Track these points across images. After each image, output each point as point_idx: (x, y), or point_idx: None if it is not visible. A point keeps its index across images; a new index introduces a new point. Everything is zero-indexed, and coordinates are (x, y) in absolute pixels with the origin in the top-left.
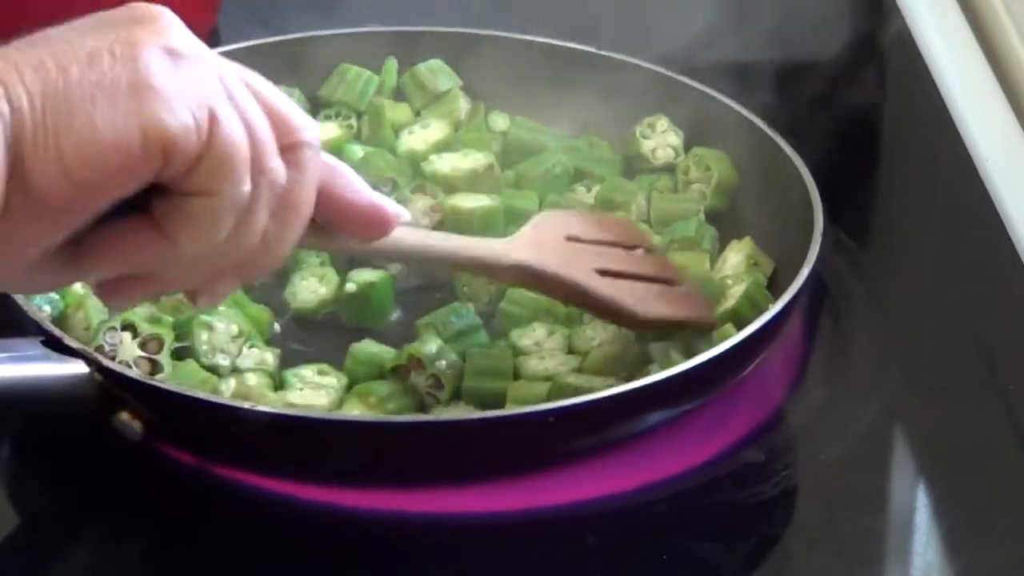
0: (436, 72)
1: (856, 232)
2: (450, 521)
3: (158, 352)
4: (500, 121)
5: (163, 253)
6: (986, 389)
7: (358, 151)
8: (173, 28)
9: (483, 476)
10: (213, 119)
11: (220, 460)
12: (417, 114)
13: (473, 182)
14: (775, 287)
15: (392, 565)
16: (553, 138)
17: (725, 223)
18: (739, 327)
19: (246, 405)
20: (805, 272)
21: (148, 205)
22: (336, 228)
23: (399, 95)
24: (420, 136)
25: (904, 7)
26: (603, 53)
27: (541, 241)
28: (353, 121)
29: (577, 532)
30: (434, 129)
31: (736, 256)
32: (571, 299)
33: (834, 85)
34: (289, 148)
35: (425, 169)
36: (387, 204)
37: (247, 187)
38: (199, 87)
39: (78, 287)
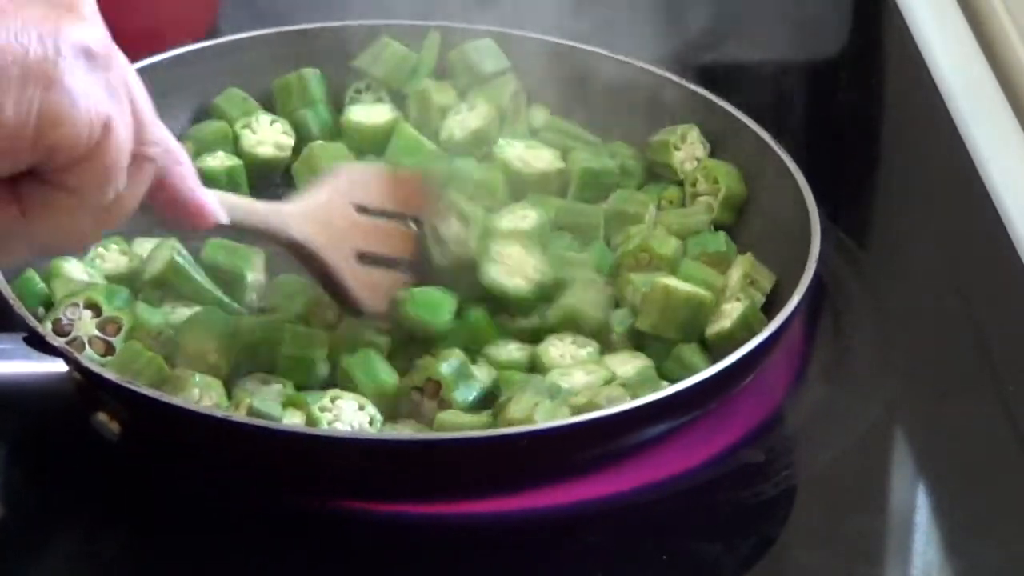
0: (484, 53)
1: (856, 232)
2: (450, 521)
3: (115, 335)
4: (539, 115)
5: (12, 228)
6: (986, 389)
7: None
8: (96, 23)
9: (487, 493)
10: (107, 128)
11: (191, 464)
12: (461, 95)
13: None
14: (777, 299)
15: (391, 565)
16: (584, 143)
17: (729, 235)
18: (734, 348)
19: (218, 413)
20: (795, 300)
21: (15, 181)
22: (163, 213)
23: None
24: (460, 121)
25: (904, 7)
26: (614, 56)
27: (326, 213)
28: (383, 95)
29: (577, 532)
30: (477, 114)
31: (735, 273)
32: (320, 279)
33: (834, 85)
34: (135, 156)
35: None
36: (211, 203)
37: (113, 194)
38: (103, 94)
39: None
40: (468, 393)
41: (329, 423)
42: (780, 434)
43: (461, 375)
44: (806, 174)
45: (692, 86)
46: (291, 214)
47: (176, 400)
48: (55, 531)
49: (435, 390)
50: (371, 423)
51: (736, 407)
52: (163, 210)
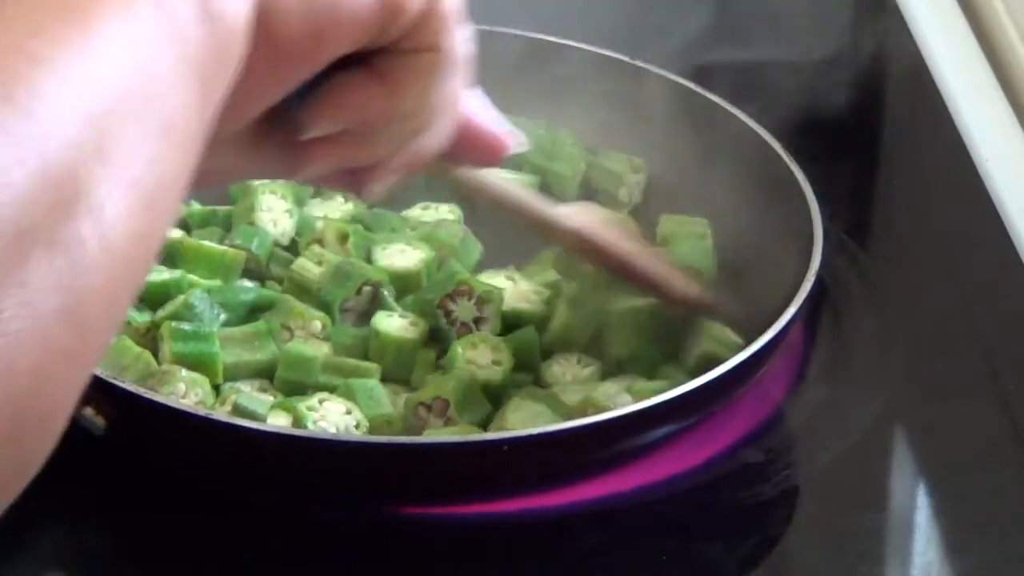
0: None
1: (856, 232)
2: (450, 521)
3: None
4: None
5: (384, 104)
6: (986, 389)
7: None
8: None
9: (488, 497)
10: None
11: (174, 460)
12: None
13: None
14: (778, 302)
15: (390, 565)
16: (567, 145)
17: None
18: (709, 367)
19: (199, 411)
20: (792, 311)
21: (368, 62)
22: (457, 147)
23: None
24: None
25: (904, 7)
26: (608, 55)
27: (592, 218)
28: None
29: (577, 532)
30: None
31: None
32: (620, 271)
33: (834, 85)
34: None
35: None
36: (509, 133)
37: (462, 44)
38: None
39: None
40: (476, 416)
41: (314, 422)
42: (780, 434)
43: (470, 396)
44: (806, 174)
45: (693, 86)
46: (569, 213)
47: (155, 396)
48: (39, 524)
49: (443, 408)
50: (357, 427)
51: (736, 407)
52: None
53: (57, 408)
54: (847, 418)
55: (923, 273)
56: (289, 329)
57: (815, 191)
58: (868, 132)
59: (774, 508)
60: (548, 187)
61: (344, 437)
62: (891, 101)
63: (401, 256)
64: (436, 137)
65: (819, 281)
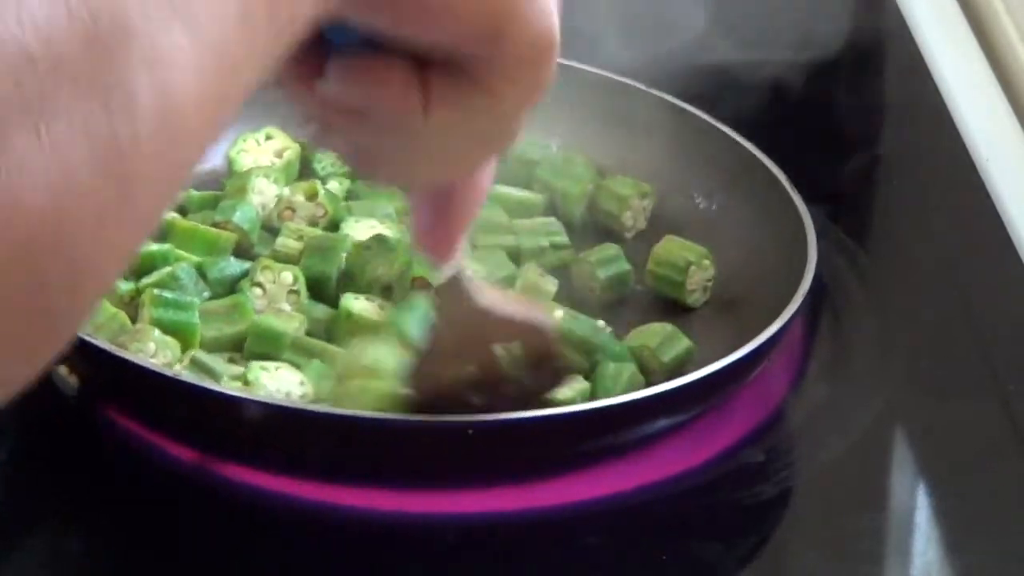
0: None
1: (856, 232)
2: (450, 521)
3: None
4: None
5: (407, 125)
6: (986, 389)
7: None
8: None
9: (484, 481)
10: (552, 42)
11: (143, 423)
12: None
13: None
14: (773, 306)
15: (386, 564)
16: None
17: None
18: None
19: (169, 372)
20: (784, 317)
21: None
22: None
23: None
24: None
25: (904, 7)
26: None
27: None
28: None
29: (577, 532)
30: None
31: None
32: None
33: (834, 85)
34: None
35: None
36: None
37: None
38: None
39: None
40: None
41: (262, 384)
42: (780, 434)
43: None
44: (807, 174)
45: (703, 114)
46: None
47: (123, 352)
48: (8, 483)
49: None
50: (303, 398)
51: (736, 407)
52: (425, 216)
53: (82, 274)
54: (847, 418)
55: (923, 273)
56: (261, 285)
57: (814, 192)
58: (868, 132)
59: (774, 508)
60: (555, 205)
61: (292, 403)
62: (891, 101)
63: (370, 232)
64: (446, 175)
65: (819, 281)
